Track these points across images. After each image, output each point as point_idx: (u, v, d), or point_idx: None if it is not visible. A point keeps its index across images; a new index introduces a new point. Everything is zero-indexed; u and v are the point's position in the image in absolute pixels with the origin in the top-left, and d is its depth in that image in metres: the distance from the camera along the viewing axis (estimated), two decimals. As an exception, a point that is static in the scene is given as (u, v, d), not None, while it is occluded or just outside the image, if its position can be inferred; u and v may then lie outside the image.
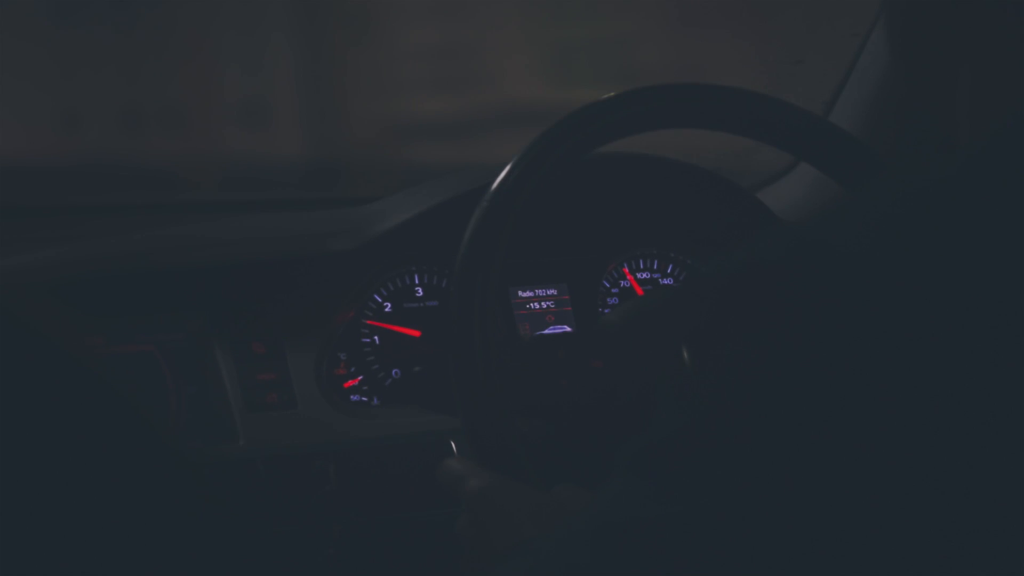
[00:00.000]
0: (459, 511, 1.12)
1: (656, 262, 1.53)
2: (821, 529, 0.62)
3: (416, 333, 1.44)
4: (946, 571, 0.62)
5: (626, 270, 1.51)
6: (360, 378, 1.42)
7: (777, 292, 0.65)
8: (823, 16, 1.67)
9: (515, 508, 1.06)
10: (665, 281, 1.53)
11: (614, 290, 1.51)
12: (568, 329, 1.47)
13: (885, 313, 0.63)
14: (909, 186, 0.67)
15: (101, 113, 1.64)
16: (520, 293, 1.48)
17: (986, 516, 0.63)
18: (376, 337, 1.43)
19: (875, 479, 0.62)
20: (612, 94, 1.24)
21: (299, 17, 1.67)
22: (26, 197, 1.60)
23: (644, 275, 1.53)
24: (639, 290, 1.51)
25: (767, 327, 0.65)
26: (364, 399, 1.41)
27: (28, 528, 0.48)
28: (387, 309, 1.44)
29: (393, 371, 1.43)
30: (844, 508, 0.62)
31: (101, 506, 0.50)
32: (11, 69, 1.56)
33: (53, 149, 1.62)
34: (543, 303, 1.48)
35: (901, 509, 0.62)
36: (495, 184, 1.19)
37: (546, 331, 1.45)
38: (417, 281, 1.46)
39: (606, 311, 1.46)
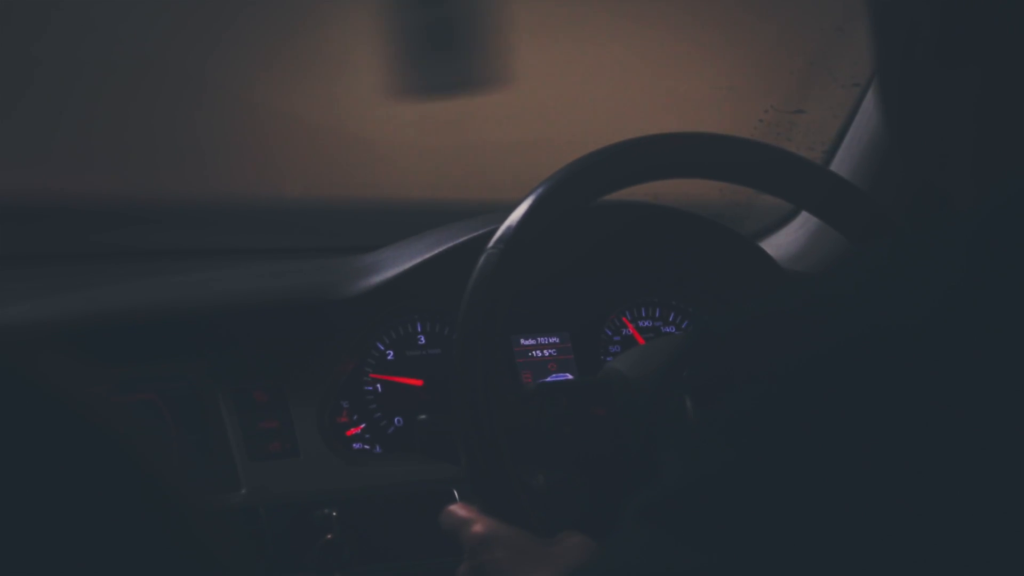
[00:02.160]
0: (461, 559, 1.11)
1: (658, 310, 1.53)
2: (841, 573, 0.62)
3: (418, 382, 1.44)
4: None
5: (626, 319, 1.52)
6: (363, 426, 1.42)
7: (785, 343, 0.66)
8: (823, 66, 1.68)
9: (518, 555, 1.06)
10: (667, 329, 1.53)
11: (616, 338, 1.51)
12: (570, 377, 1.47)
13: (896, 367, 0.63)
14: (916, 243, 0.68)
15: (100, 156, 1.64)
16: (522, 341, 1.48)
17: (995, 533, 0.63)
18: (378, 385, 1.43)
19: (896, 522, 0.62)
20: (617, 143, 1.24)
21: (306, 53, 1.68)
22: (24, 243, 1.60)
23: (646, 323, 1.53)
24: (640, 339, 1.51)
25: (776, 378, 0.65)
26: (367, 447, 1.41)
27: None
28: (389, 357, 1.44)
29: (396, 419, 1.43)
30: (865, 556, 0.62)
31: (105, 555, 0.50)
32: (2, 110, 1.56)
33: (47, 193, 1.62)
34: (545, 351, 1.48)
35: (918, 536, 0.63)
36: (500, 231, 1.19)
37: (548, 379, 1.46)
38: (420, 329, 1.46)
39: (608, 359, 1.46)
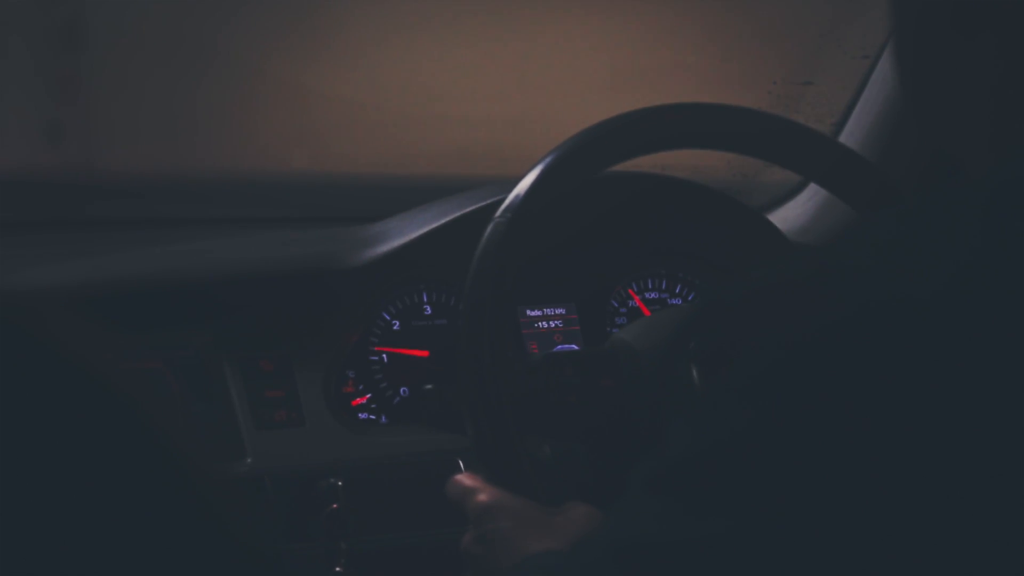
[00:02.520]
0: (466, 529, 1.12)
1: (665, 282, 1.53)
2: (848, 542, 0.62)
3: (424, 353, 1.44)
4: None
5: (632, 291, 1.51)
6: (368, 396, 1.42)
7: (791, 313, 0.65)
8: (832, 38, 1.67)
9: (523, 524, 1.06)
10: (673, 301, 1.53)
11: (622, 310, 1.51)
12: (576, 348, 1.47)
13: (904, 336, 0.63)
14: (926, 212, 0.67)
15: (107, 124, 1.64)
16: (528, 312, 1.48)
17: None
18: (384, 356, 1.43)
19: (904, 492, 0.62)
20: (626, 113, 1.24)
21: (324, 22, 1.67)
22: (32, 210, 1.60)
23: (652, 295, 1.52)
24: (646, 311, 1.51)
25: (782, 347, 0.65)
26: (372, 417, 1.41)
27: (36, 544, 0.48)
28: (395, 327, 1.44)
29: (402, 390, 1.43)
30: (870, 525, 0.62)
31: (109, 523, 0.50)
32: (13, 78, 1.56)
33: (57, 161, 1.62)
34: (551, 322, 1.48)
35: (925, 513, 0.62)
36: (508, 201, 1.19)
37: (554, 350, 1.45)
38: (426, 299, 1.46)
39: (614, 331, 1.46)
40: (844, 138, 1.60)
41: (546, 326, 1.48)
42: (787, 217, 1.65)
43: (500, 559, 1.04)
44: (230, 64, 1.67)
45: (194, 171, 1.68)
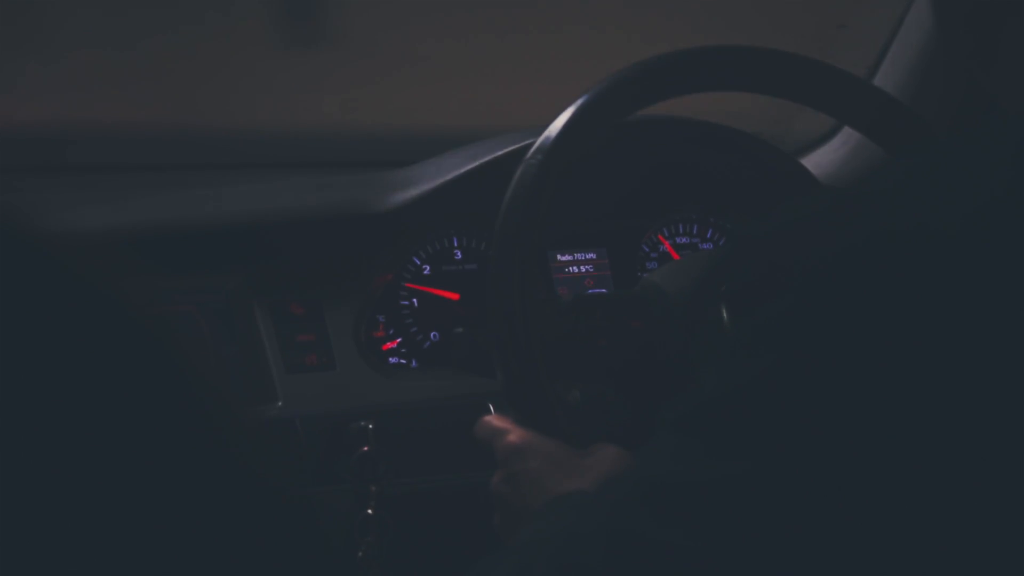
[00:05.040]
0: (495, 471, 1.12)
1: (695, 227, 1.52)
2: (875, 488, 0.62)
3: (455, 296, 1.44)
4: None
5: (662, 236, 1.51)
6: (399, 340, 1.42)
7: (821, 249, 0.65)
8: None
9: (551, 464, 1.06)
10: (704, 246, 1.52)
11: (653, 255, 1.50)
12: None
13: (936, 269, 0.62)
14: (960, 148, 0.67)
15: (141, 73, 1.64)
16: (559, 257, 1.47)
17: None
18: (415, 300, 1.43)
19: (933, 445, 0.62)
20: (658, 55, 1.23)
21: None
22: (69, 155, 1.60)
23: (683, 239, 1.52)
24: (676, 255, 1.51)
25: (813, 284, 0.64)
26: (402, 361, 1.42)
27: (68, 482, 0.49)
28: (426, 272, 1.44)
29: (432, 334, 1.43)
30: (901, 472, 0.62)
31: (142, 466, 0.50)
32: (54, 27, 1.56)
33: (87, 108, 1.63)
34: (582, 267, 1.48)
35: (948, 458, 0.62)
36: (539, 142, 1.18)
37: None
38: (456, 244, 1.45)
39: (644, 275, 1.46)
40: (879, 81, 1.58)
41: (577, 271, 1.47)
42: (820, 161, 1.63)
43: (528, 499, 1.05)
44: (263, 16, 1.67)
45: (228, 119, 1.69)
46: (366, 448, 1.30)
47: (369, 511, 1.30)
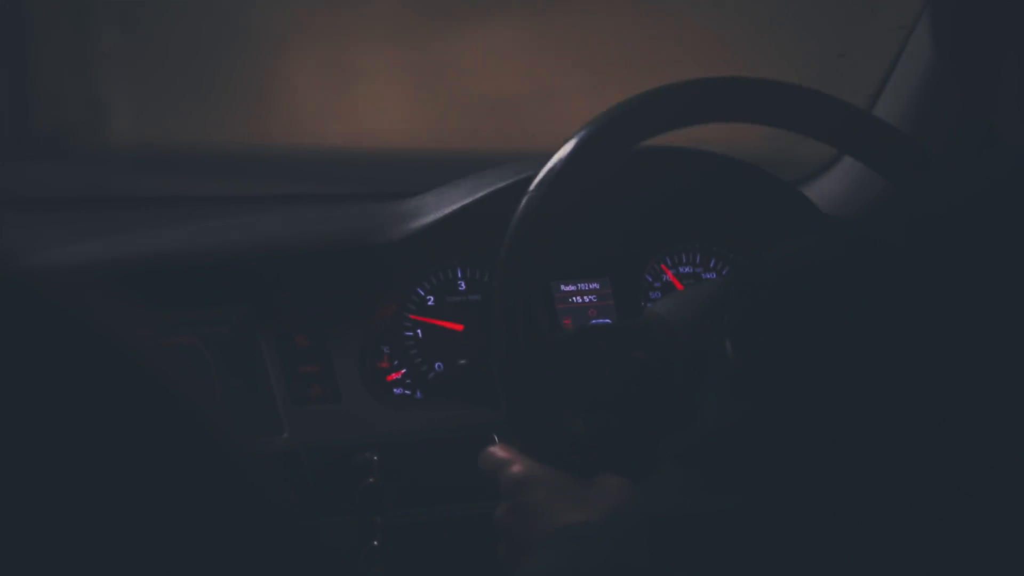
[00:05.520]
0: (500, 502, 1.12)
1: (698, 256, 1.53)
2: (879, 520, 0.62)
3: (459, 327, 1.45)
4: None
5: (665, 266, 1.51)
6: (403, 371, 1.42)
7: (828, 287, 0.65)
8: (866, 9, 1.66)
9: (556, 496, 1.06)
10: (707, 276, 1.52)
11: (656, 284, 1.51)
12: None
13: (939, 312, 0.63)
14: (962, 187, 0.67)
15: (145, 102, 1.65)
16: (563, 287, 1.48)
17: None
18: (419, 331, 1.43)
19: (934, 471, 0.62)
20: (660, 87, 1.23)
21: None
22: (69, 188, 1.61)
23: (686, 269, 1.52)
24: (679, 286, 1.51)
25: (817, 322, 0.65)
26: (407, 392, 1.42)
27: (71, 518, 0.49)
28: (430, 303, 1.44)
29: (436, 364, 1.43)
30: (902, 501, 0.62)
31: (145, 499, 0.50)
32: (55, 55, 1.57)
33: (94, 139, 1.63)
34: (585, 297, 1.48)
35: (953, 497, 0.62)
36: (542, 174, 1.19)
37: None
38: (460, 275, 1.46)
39: (648, 305, 1.46)
40: (879, 111, 1.59)
41: (580, 301, 1.48)
42: (822, 191, 1.64)
43: (533, 530, 1.05)
44: (267, 41, 1.68)
45: (231, 149, 1.69)
46: (371, 479, 1.31)
47: (375, 543, 1.30)
